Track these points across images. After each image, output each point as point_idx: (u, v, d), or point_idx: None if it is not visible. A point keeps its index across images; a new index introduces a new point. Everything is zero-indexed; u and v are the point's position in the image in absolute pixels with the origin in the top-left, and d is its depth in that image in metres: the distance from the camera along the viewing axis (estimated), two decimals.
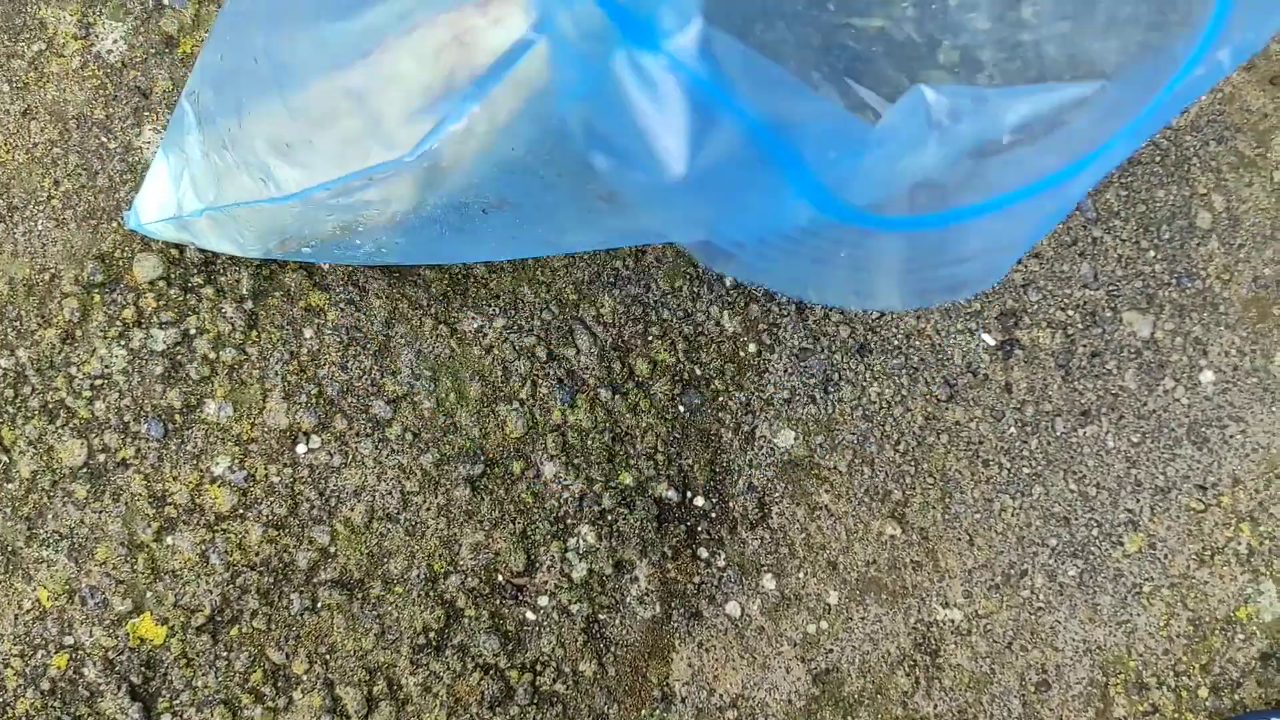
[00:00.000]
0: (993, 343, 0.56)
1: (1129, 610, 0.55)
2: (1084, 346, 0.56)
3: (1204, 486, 0.56)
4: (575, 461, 0.51)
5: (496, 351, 0.51)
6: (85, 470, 0.46)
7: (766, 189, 0.18)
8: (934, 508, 0.54)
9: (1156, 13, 0.26)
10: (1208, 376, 0.57)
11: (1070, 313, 0.56)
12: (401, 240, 0.38)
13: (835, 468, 0.53)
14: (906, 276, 0.23)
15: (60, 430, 0.46)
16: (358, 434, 0.49)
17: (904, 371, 0.55)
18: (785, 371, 0.54)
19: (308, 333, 0.49)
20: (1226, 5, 0.23)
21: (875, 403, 0.54)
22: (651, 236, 0.37)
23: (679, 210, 0.19)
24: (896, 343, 0.55)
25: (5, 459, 0.45)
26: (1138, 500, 0.55)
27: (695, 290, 0.53)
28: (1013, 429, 0.55)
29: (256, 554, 0.47)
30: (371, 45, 0.29)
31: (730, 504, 0.52)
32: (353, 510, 0.48)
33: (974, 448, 0.55)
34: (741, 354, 0.53)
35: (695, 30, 0.14)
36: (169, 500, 0.47)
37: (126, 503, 0.46)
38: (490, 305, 0.51)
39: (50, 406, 0.46)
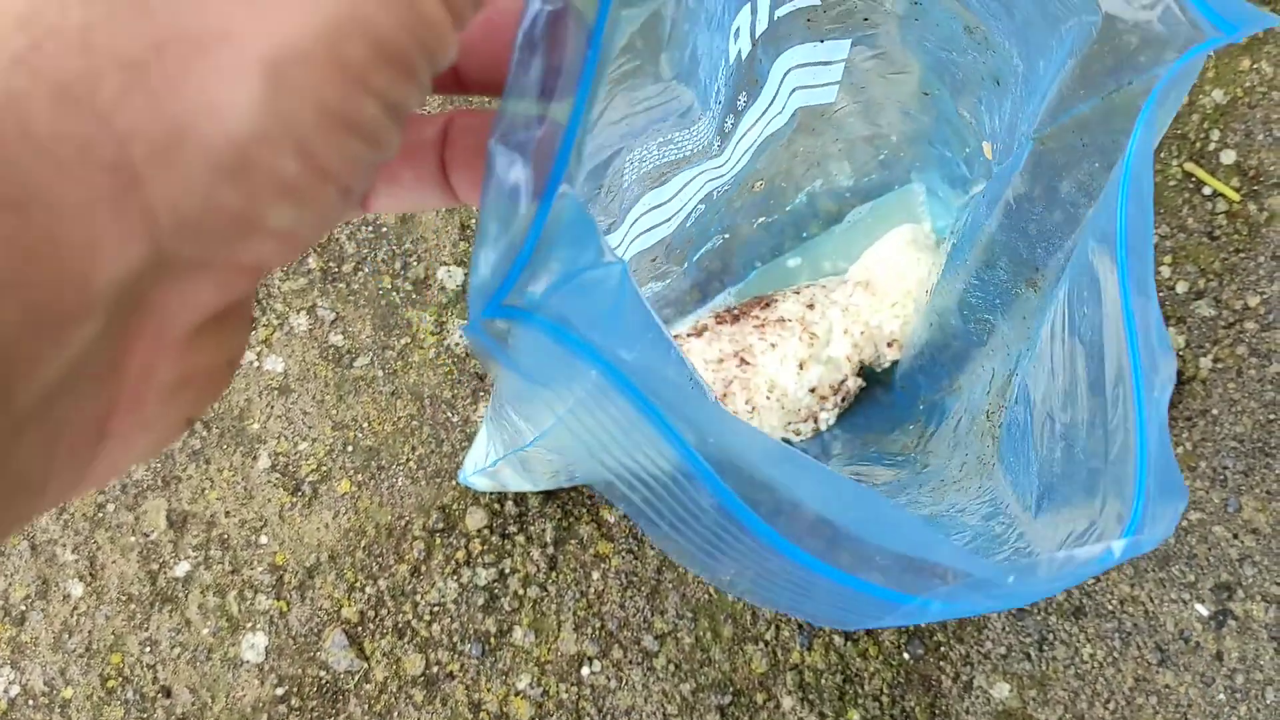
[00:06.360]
0: (1206, 613, 0.60)
1: None
2: None
3: None
4: (810, 697, 0.59)
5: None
6: (423, 678, 0.58)
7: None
8: None
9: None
10: None
11: None
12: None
13: None
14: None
15: (406, 645, 0.58)
16: (631, 662, 0.59)
17: (1117, 635, 0.59)
18: (1003, 629, 0.60)
19: (595, 575, 0.59)
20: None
21: (1088, 663, 0.59)
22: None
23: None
24: (1110, 608, 0.60)
25: (365, 665, 0.58)
26: None
27: None
28: (1222, 695, 0.59)
29: None
30: None
31: None
32: None
33: (1182, 710, 0.59)
34: None
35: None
36: (483, 708, 0.58)
37: (452, 707, 0.58)
38: None
39: (400, 626, 0.59)
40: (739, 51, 0.46)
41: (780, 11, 0.46)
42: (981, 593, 0.25)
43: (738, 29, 0.45)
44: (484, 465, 0.55)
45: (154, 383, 0.15)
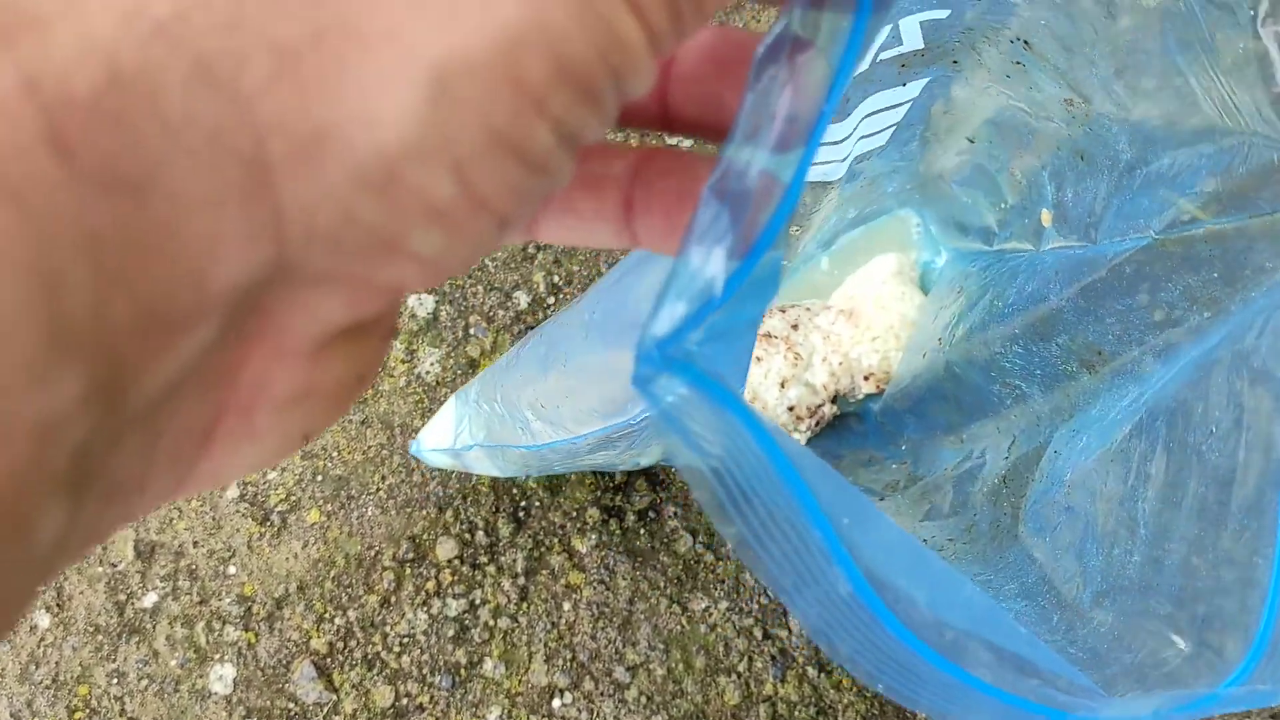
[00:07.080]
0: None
1: None
2: None
3: None
4: None
5: (720, 629, 0.59)
6: (392, 710, 0.58)
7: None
8: None
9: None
10: None
11: None
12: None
13: None
14: None
15: (375, 677, 0.58)
16: (602, 694, 0.58)
17: None
18: None
19: (566, 606, 0.59)
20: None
21: None
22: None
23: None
24: None
25: (334, 697, 0.58)
26: None
27: None
28: None
29: None
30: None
31: None
32: None
33: None
34: None
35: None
36: None
37: None
38: (716, 589, 0.59)
39: (369, 657, 0.58)
40: None
41: (883, 56, 0.43)
42: None
43: None
44: (451, 445, 0.54)
45: (269, 394, 0.14)
